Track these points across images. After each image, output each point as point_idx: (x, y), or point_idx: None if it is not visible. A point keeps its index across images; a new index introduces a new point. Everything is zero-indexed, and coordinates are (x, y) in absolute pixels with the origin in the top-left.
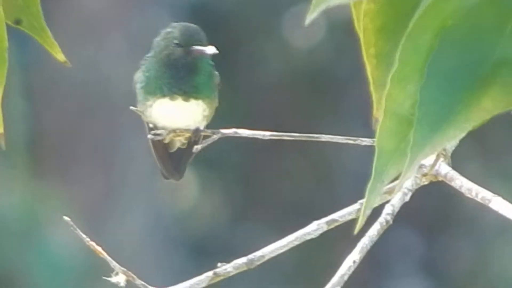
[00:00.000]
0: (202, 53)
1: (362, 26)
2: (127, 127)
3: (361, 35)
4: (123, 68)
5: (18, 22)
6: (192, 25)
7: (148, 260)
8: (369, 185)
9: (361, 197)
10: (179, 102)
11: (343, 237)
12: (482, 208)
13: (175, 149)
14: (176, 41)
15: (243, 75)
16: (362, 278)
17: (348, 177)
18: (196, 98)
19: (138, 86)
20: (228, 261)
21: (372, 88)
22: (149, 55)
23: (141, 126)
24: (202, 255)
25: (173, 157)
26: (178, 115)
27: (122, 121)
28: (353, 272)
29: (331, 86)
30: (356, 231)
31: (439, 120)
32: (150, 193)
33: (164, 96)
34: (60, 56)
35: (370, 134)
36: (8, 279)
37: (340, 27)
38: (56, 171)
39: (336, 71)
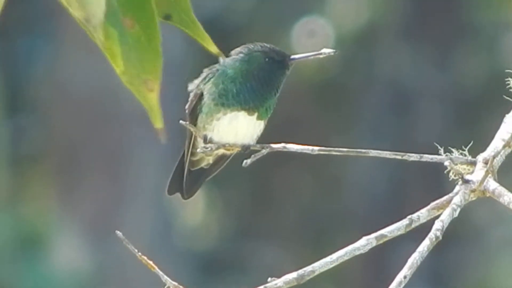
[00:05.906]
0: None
1: None
2: (136, 139)
3: None
4: None
5: (168, 17)
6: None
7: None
8: None
9: (368, 209)
10: (253, 117)
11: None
12: (491, 221)
13: (198, 167)
14: (266, 59)
15: None
16: None
17: (355, 190)
18: (265, 116)
19: (209, 97)
20: (236, 276)
21: None
22: (219, 66)
23: (149, 138)
24: (210, 269)
25: (191, 175)
26: (244, 130)
27: (131, 133)
28: (363, 285)
29: (340, 97)
30: None
31: None
32: (158, 206)
33: (239, 109)
34: (213, 48)
35: (380, 145)
36: None
37: (349, 38)
38: (65, 183)
39: (345, 82)
